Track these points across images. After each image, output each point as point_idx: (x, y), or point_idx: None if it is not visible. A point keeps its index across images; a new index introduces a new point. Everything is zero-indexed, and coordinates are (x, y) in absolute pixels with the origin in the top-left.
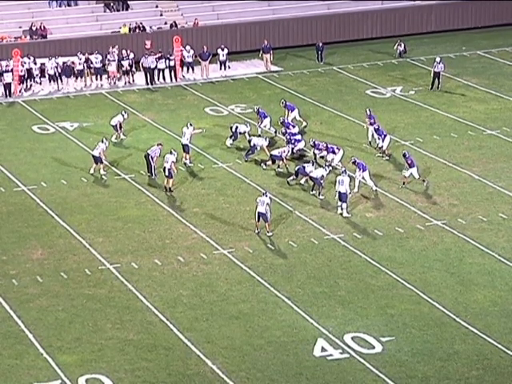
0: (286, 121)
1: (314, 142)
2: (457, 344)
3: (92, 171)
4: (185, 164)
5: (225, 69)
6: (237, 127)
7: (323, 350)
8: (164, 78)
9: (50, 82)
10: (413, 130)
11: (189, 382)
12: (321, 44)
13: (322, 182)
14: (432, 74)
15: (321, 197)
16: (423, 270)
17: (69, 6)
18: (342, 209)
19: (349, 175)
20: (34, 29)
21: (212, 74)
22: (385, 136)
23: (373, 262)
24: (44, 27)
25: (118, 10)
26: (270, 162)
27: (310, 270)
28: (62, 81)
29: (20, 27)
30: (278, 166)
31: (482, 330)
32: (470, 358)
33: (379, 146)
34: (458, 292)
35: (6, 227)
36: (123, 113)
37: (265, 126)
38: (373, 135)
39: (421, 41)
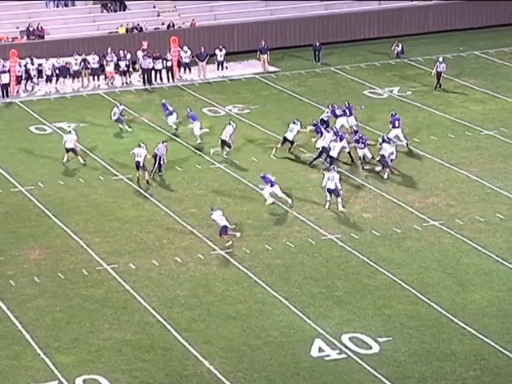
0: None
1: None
2: (454, 344)
3: (65, 160)
4: None
5: (222, 69)
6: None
7: (320, 350)
8: (161, 79)
9: (47, 82)
10: (410, 130)
11: (186, 382)
12: (318, 44)
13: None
14: (435, 74)
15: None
16: (420, 270)
17: (66, 6)
18: (331, 203)
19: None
20: (31, 29)
21: (209, 74)
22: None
23: (370, 262)
24: (41, 28)
25: (116, 11)
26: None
27: (307, 271)
28: (57, 81)
29: (17, 28)
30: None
31: (480, 330)
32: (468, 359)
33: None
34: (456, 292)
35: (4, 228)
36: (118, 105)
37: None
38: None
39: (418, 41)
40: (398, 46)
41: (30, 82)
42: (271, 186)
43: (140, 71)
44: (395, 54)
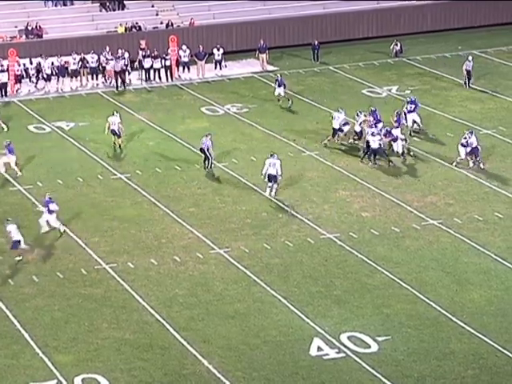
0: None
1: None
2: (453, 343)
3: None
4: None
5: (220, 68)
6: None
7: (319, 349)
8: (160, 78)
9: (46, 81)
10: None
11: (185, 381)
12: (316, 43)
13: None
14: (464, 73)
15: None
16: (419, 269)
17: (65, 5)
18: (272, 189)
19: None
20: (29, 28)
21: (208, 73)
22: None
23: (369, 261)
24: (40, 27)
25: (114, 10)
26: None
27: (306, 270)
28: (58, 80)
29: (16, 27)
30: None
31: (478, 329)
32: (466, 358)
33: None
34: (454, 291)
35: (2, 227)
36: (115, 113)
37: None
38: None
39: (417, 40)
40: (396, 45)
41: (29, 81)
42: (49, 212)
43: (139, 70)
44: (394, 53)
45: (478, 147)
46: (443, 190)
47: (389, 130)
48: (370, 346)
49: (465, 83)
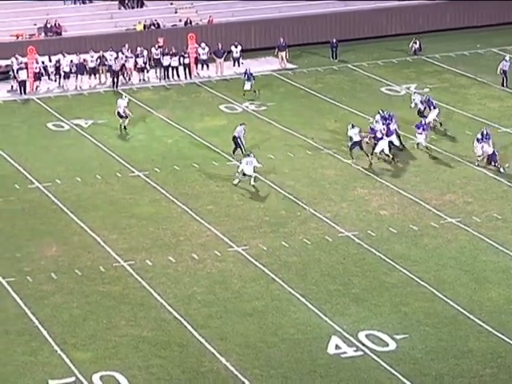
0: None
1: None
2: (471, 342)
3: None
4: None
5: (238, 66)
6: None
7: (337, 347)
8: (178, 76)
9: (65, 79)
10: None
11: (203, 379)
12: (335, 41)
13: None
14: (501, 72)
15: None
16: (437, 267)
17: (83, 3)
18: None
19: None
20: (48, 26)
21: (226, 71)
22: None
23: (387, 259)
24: (59, 24)
25: (133, 8)
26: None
27: (324, 268)
28: (76, 78)
29: (35, 24)
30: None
31: (497, 327)
32: (484, 356)
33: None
34: (473, 290)
35: (21, 224)
36: (123, 97)
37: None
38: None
39: (435, 38)
40: (415, 43)
41: (48, 78)
42: None
43: (157, 68)
44: (413, 51)
45: (496, 152)
46: (462, 188)
47: (374, 128)
48: (388, 345)
49: (502, 84)
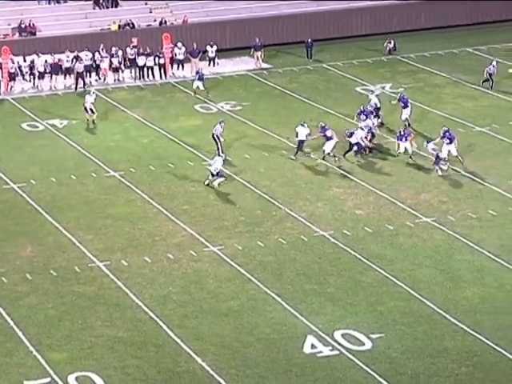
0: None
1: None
2: (446, 341)
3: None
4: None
5: (214, 65)
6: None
7: (313, 347)
8: (153, 76)
9: (39, 79)
10: (402, 126)
11: (178, 379)
12: (310, 41)
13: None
14: (486, 75)
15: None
16: (413, 266)
17: (58, 3)
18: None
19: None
20: (22, 26)
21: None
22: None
23: (362, 259)
24: (33, 24)
25: (108, 8)
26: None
27: (299, 267)
28: (51, 78)
29: (9, 24)
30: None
31: (472, 326)
32: (460, 355)
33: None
34: (448, 289)
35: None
36: (91, 93)
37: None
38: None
39: (410, 38)
40: (390, 42)
41: (22, 79)
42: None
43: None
44: (387, 50)
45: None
46: (437, 187)
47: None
48: (363, 344)
49: (488, 86)
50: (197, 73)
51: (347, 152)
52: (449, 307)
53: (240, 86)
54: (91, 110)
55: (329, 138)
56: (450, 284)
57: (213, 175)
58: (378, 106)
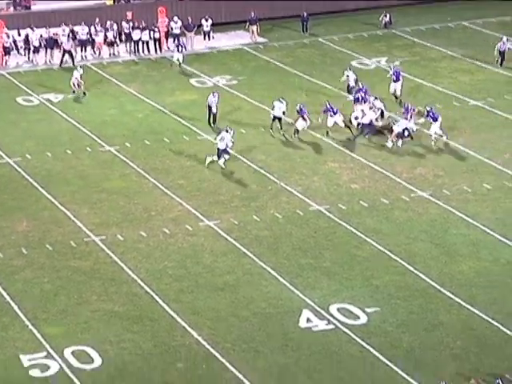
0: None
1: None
2: (441, 314)
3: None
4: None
5: (209, 39)
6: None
7: (308, 321)
8: (148, 50)
9: (34, 53)
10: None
11: (174, 353)
12: (306, 15)
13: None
14: (497, 53)
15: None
16: (408, 241)
17: None
18: (223, 159)
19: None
20: (17, 0)
21: (197, 45)
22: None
23: (358, 233)
24: None
25: None
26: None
27: (295, 242)
28: (46, 52)
29: None
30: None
31: (467, 300)
32: (455, 329)
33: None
34: (443, 263)
35: None
36: (78, 68)
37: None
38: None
39: (406, 12)
40: (385, 16)
41: (17, 53)
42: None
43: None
44: (383, 24)
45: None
46: (432, 161)
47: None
48: (359, 318)
49: (497, 61)
50: (177, 45)
51: (359, 135)
52: (444, 281)
53: (235, 60)
54: (78, 85)
55: (334, 114)
56: (446, 258)
57: (219, 156)
58: (353, 83)
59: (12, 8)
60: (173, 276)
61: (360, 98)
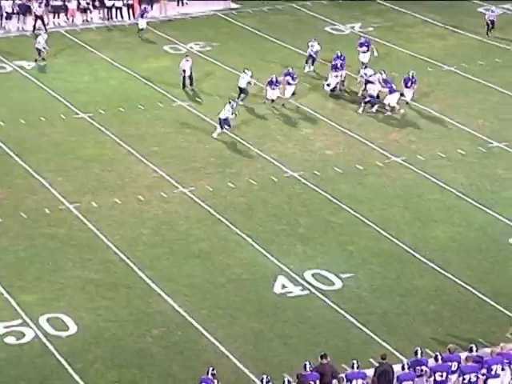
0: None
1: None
2: (416, 280)
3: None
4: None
5: (182, 5)
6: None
7: (283, 287)
8: (122, 16)
9: (6, 19)
10: (371, 66)
11: (150, 320)
12: None
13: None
14: (488, 22)
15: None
16: (383, 206)
17: None
18: (224, 130)
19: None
20: None
21: (170, 11)
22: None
23: (333, 199)
24: None
25: None
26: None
27: (270, 208)
28: (19, 19)
29: None
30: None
31: (441, 265)
32: (429, 294)
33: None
34: (417, 228)
35: None
36: (42, 33)
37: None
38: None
39: None
40: None
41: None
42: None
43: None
44: None
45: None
46: (406, 127)
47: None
48: (333, 283)
49: (486, 32)
50: (142, 11)
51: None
52: (418, 246)
53: (209, 26)
54: (42, 50)
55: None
56: (420, 223)
57: (221, 127)
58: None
59: None
60: (148, 243)
61: (338, 66)
